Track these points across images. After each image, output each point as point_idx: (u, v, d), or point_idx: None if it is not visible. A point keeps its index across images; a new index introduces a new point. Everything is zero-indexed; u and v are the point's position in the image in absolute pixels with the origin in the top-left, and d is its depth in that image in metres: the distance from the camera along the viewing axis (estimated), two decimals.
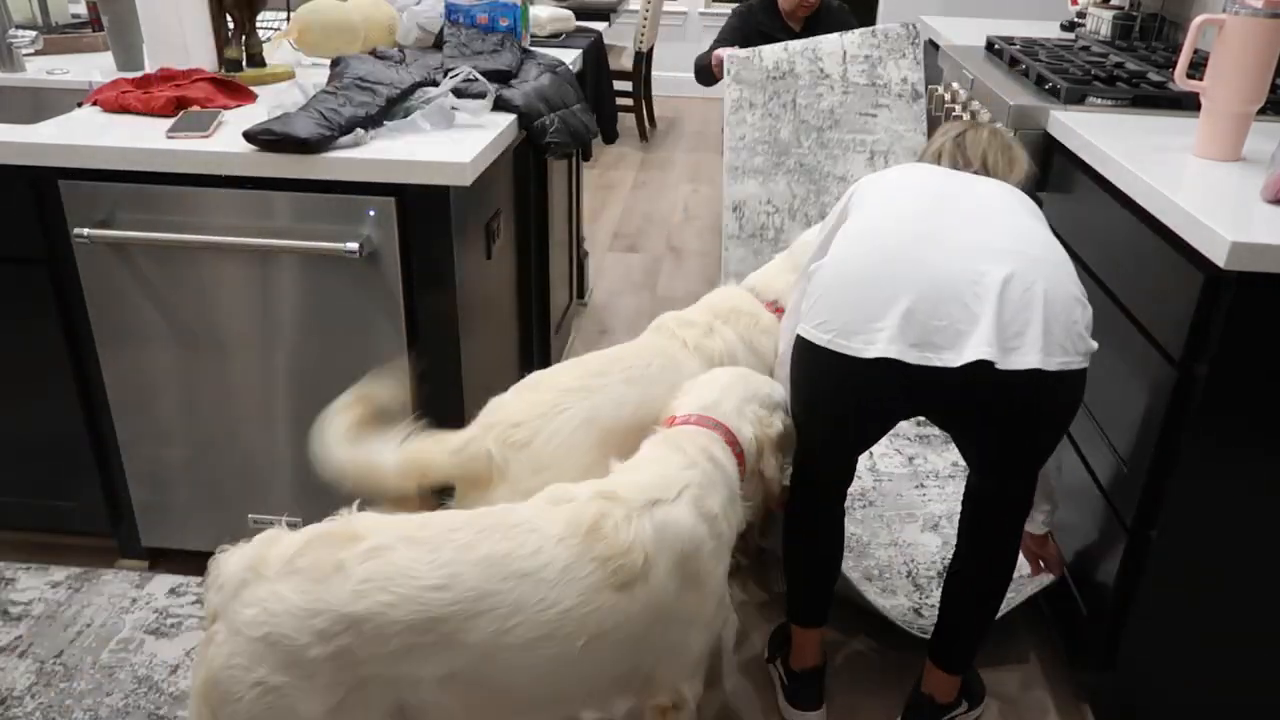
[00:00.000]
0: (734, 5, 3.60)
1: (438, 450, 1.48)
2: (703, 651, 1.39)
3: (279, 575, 1.13)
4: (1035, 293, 1.31)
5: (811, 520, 1.66)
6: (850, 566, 2.04)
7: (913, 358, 1.32)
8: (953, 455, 2.46)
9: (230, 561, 1.16)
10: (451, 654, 1.13)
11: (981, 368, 1.30)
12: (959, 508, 1.75)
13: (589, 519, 1.21)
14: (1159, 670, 1.64)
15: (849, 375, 1.38)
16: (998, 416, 1.39)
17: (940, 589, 1.71)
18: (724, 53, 3.41)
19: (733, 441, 1.43)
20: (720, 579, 1.37)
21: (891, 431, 2.52)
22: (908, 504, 2.28)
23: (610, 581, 1.20)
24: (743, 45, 3.49)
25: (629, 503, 1.25)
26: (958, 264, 1.34)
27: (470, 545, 1.16)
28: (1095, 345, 1.37)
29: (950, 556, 1.72)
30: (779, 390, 1.59)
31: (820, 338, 1.39)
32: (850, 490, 1.75)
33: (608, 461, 1.40)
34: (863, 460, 2.40)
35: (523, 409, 1.53)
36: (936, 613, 1.68)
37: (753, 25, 3.46)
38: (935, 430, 2.53)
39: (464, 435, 1.52)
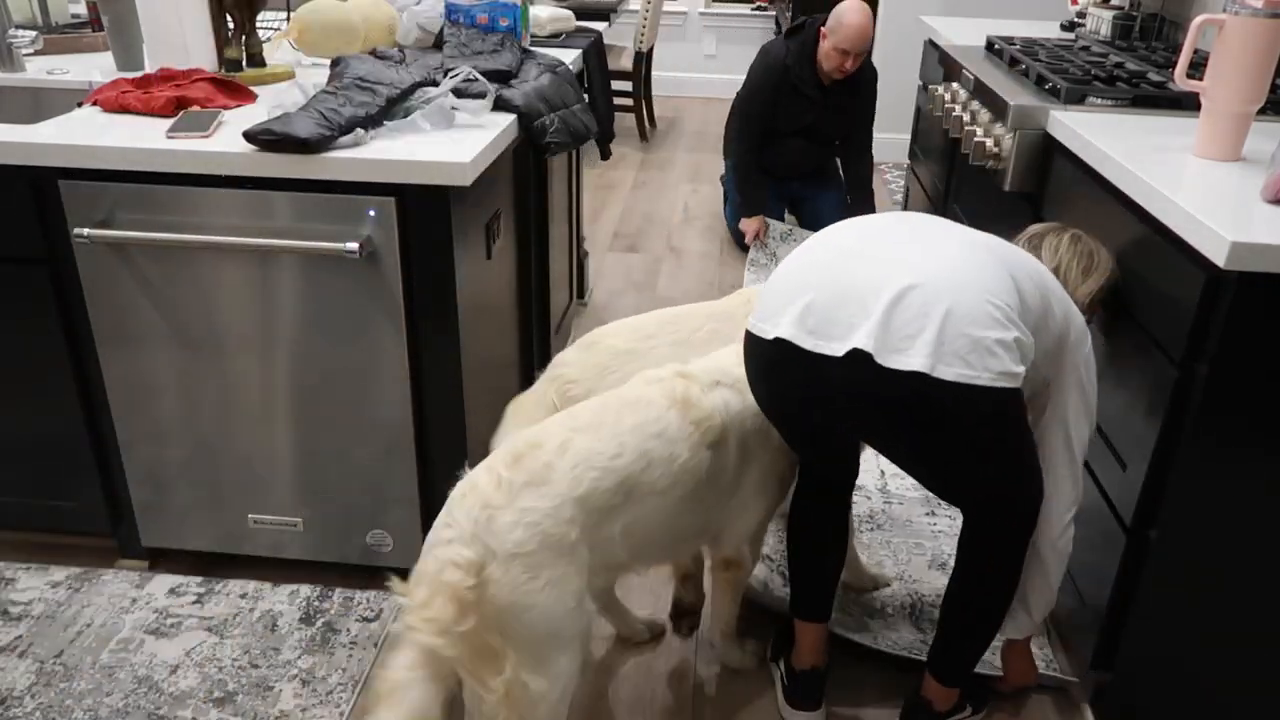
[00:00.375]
0: (760, 48, 3.66)
1: (526, 400, 1.81)
2: (760, 520, 1.68)
3: (511, 497, 1.30)
4: (936, 305, 1.32)
5: (809, 514, 1.69)
6: (853, 599, 2.02)
7: (806, 343, 1.38)
8: None
9: (458, 518, 1.31)
10: (630, 507, 1.40)
11: (864, 362, 1.33)
12: None
13: (680, 392, 1.48)
14: (1159, 670, 1.64)
15: (758, 356, 1.47)
16: (885, 416, 1.40)
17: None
18: (750, 228, 3.64)
19: None
20: (767, 460, 1.61)
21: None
22: (916, 532, 2.25)
23: (704, 440, 1.48)
24: (773, 105, 3.52)
25: (700, 380, 1.52)
26: (869, 271, 1.38)
27: (619, 420, 1.43)
28: (1017, 369, 1.33)
29: None
30: None
31: (749, 324, 1.49)
32: (859, 511, 1.83)
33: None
34: (873, 479, 2.42)
35: (579, 367, 1.76)
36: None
37: (786, 81, 3.49)
38: None
39: (537, 388, 1.80)
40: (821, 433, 1.53)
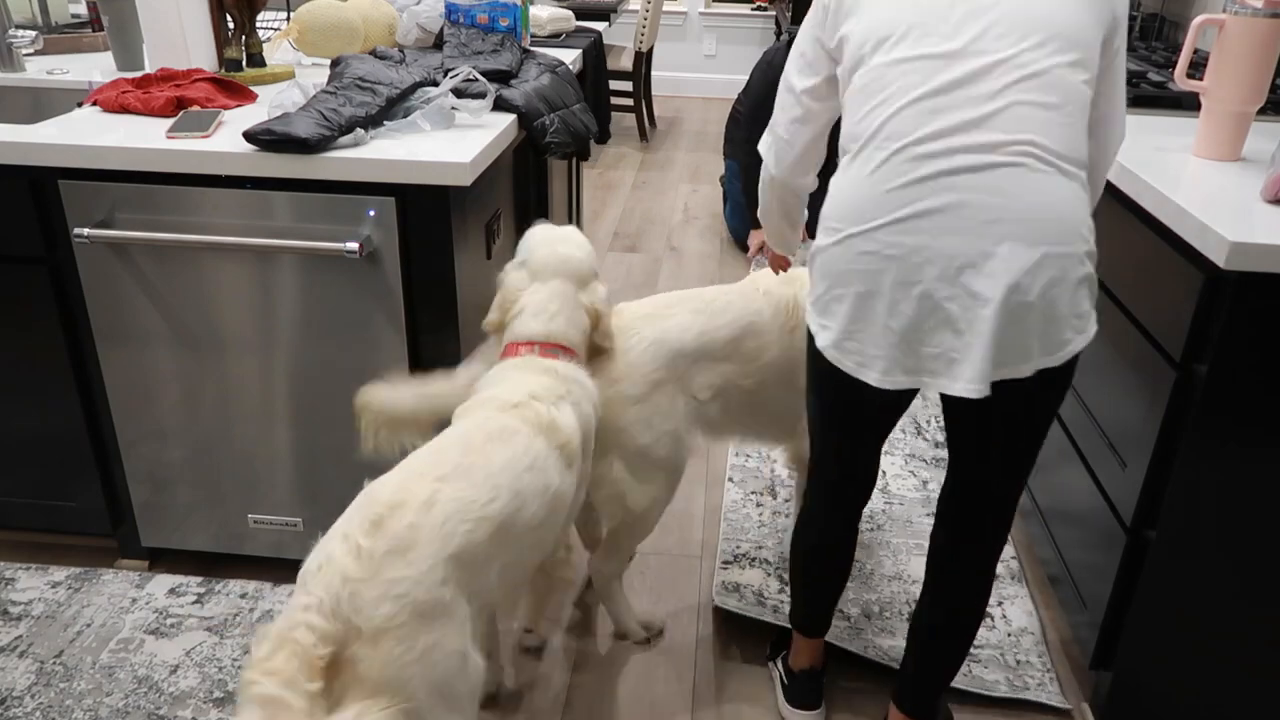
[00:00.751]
0: (761, 35, 3.62)
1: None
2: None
3: (374, 569, 1.16)
4: (1031, 312, 1.22)
5: (824, 535, 1.62)
6: (851, 599, 2.03)
7: (904, 384, 1.32)
8: None
9: (316, 592, 1.15)
10: (505, 549, 1.30)
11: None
12: None
13: (543, 417, 1.42)
14: (1159, 670, 1.64)
15: (830, 377, 1.41)
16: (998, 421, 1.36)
17: None
18: (757, 241, 3.56)
19: (571, 350, 1.60)
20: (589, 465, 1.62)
21: (908, 452, 2.51)
22: (916, 532, 2.25)
23: (568, 462, 1.44)
24: (772, 97, 3.52)
25: (548, 399, 1.47)
26: (941, 270, 1.24)
27: (489, 459, 1.32)
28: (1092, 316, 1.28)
29: None
30: (583, 250, 1.68)
31: (821, 345, 1.38)
32: None
33: (681, 374, 1.72)
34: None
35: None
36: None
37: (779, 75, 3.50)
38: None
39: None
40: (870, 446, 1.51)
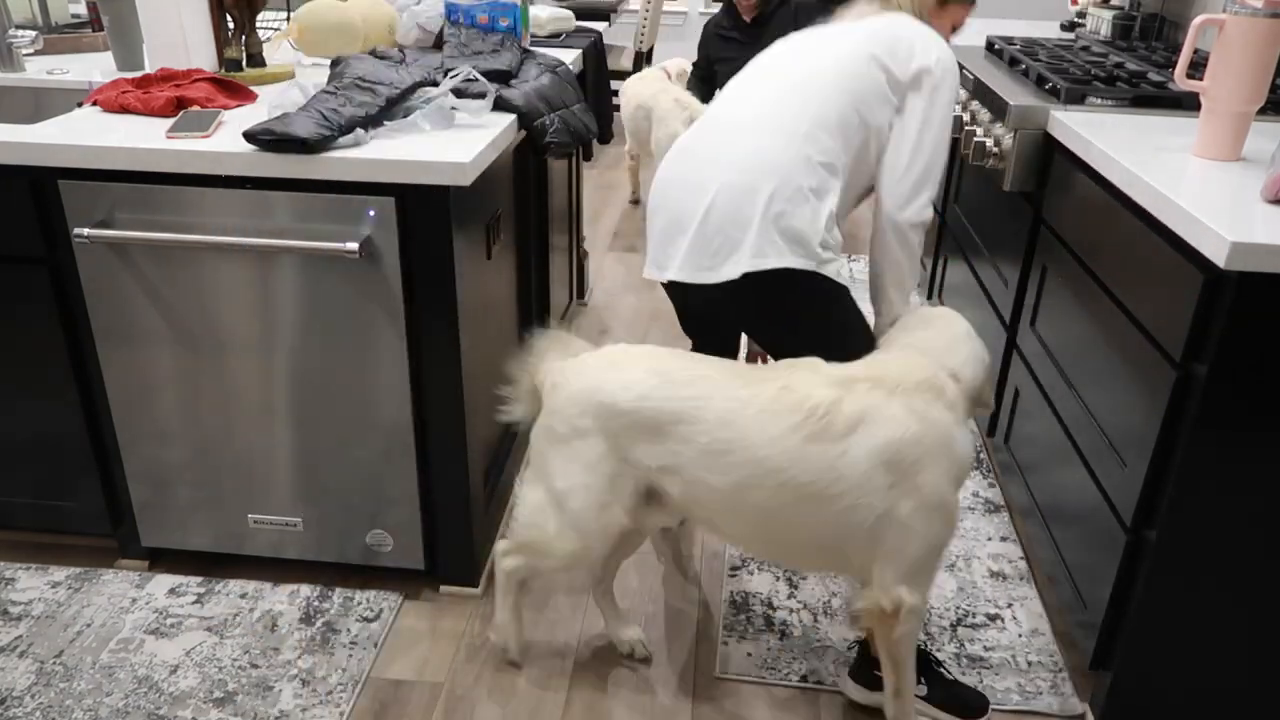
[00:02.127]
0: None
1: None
2: (919, 559, 1.49)
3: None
4: (731, 225, 1.57)
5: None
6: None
7: (656, 276, 1.70)
8: (972, 485, 2.44)
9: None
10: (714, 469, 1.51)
11: (685, 285, 1.64)
12: (977, 547, 1.89)
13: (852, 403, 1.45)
14: (1159, 670, 1.64)
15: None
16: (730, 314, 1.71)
17: (954, 641, 1.79)
18: None
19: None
20: (940, 489, 1.46)
21: None
22: None
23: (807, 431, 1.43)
24: (707, 55, 3.57)
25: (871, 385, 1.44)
26: (683, 191, 1.65)
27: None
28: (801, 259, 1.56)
29: (966, 603, 1.80)
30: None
31: None
32: None
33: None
34: None
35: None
36: (945, 667, 1.77)
37: (711, 32, 3.56)
38: None
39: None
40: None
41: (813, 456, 1.44)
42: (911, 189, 1.63)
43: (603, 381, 1.53)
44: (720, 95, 1.76)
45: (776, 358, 1.64)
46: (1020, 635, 1.95)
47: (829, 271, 1.60)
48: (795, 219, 1.56)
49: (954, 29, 1.78)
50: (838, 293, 1.63)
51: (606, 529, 1.61)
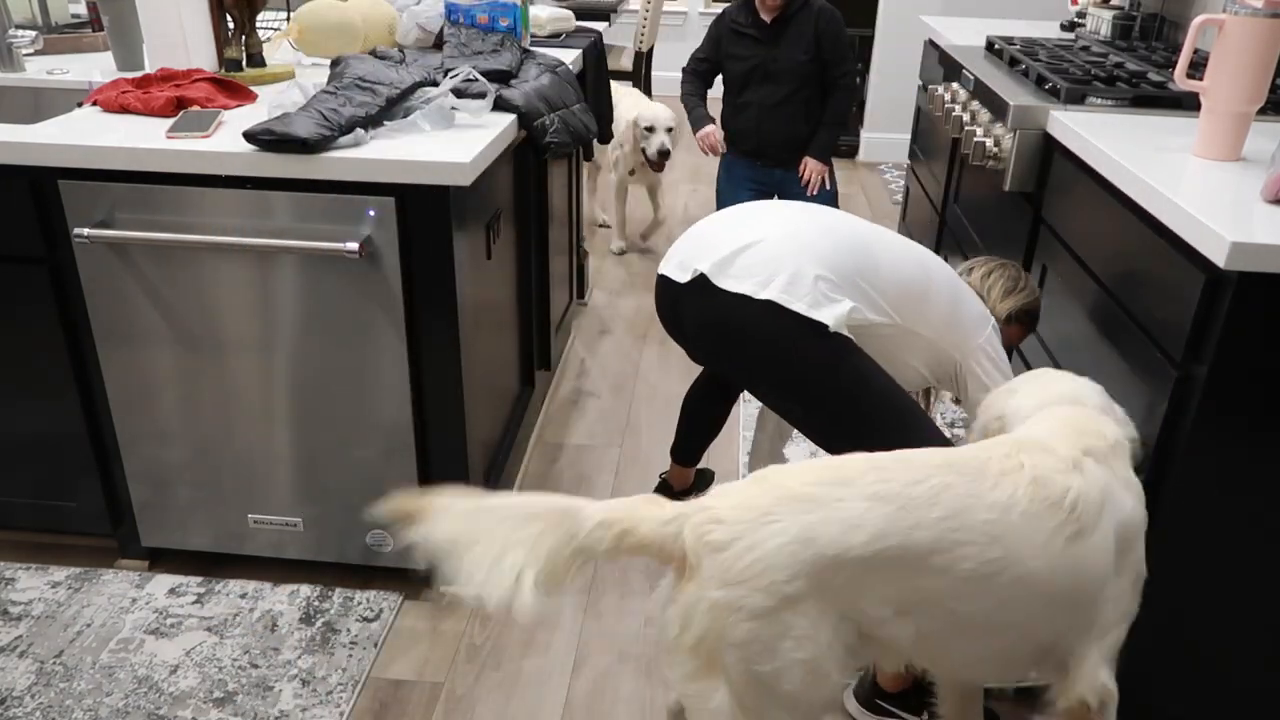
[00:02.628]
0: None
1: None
2: (1120, 637, 1.36)
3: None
4: (775, 261, 1.63)
5: (706, 390, 2.15)
6: None
7: (675, 274, 1.74)
8: None
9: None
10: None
11: (704, 285, 1.68)
12: None
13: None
14: (1159, 670, 1.64)
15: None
16: (718, 337, 1.74)
17: None
18: (707, 138, 3.52)
19: None
20: (1142, 558, 1.34)
21: None
22: None
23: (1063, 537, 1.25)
24: (716, 50, 3.51)
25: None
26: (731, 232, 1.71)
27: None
28: (834, 309, 1.60)
29: None
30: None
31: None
32: None
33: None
34: None
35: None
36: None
37: (725, 27, 3.48)
38: None
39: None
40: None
41: (1074, 556, 1.25)
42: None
43: (812, 529, 1.17)
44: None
45: (755, 395, 1.80)
46: None
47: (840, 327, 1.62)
48: (825, 289, 1.63)
49: (1008, 346, 1.88)
50: (846, 350, 1.64)
51: (827, 706, 1.26)
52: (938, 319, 1.73)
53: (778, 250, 1.64)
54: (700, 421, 2.19)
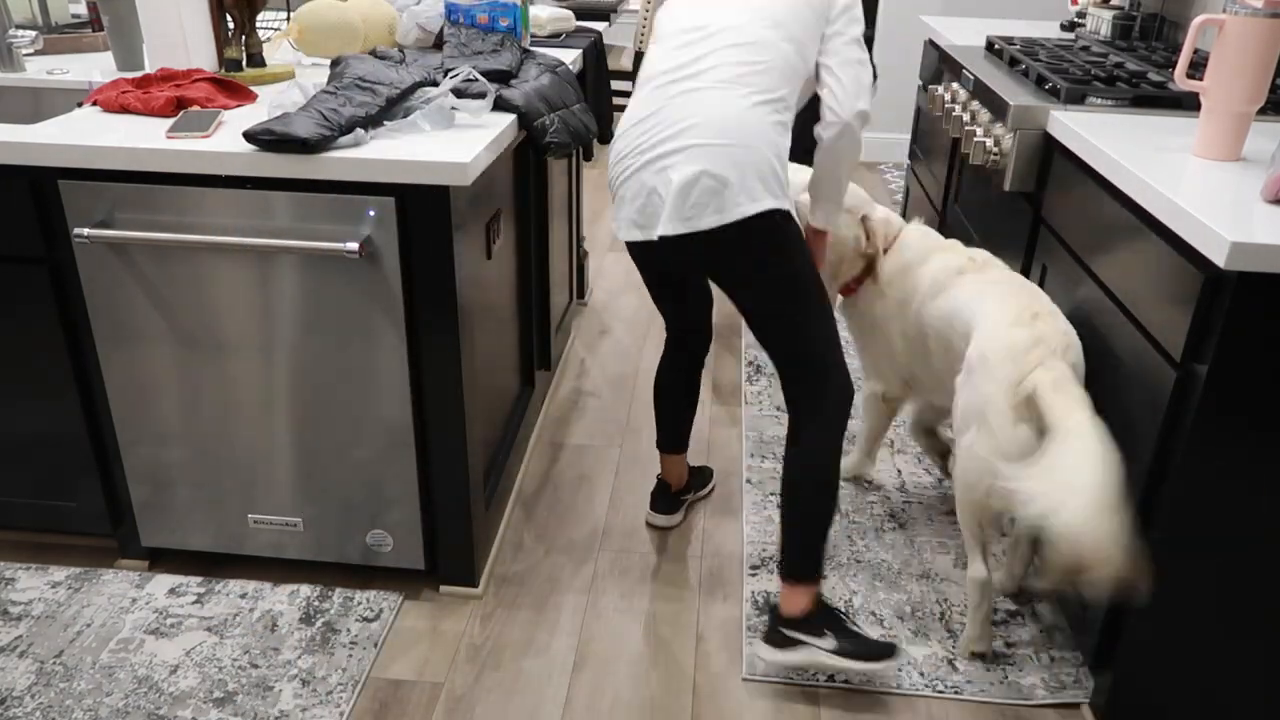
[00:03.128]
0: None
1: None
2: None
3: None
4: (712, 193, 1.69)
5: (672, 373, 2.17)
6: (881, 600, 2.03)
7: (637, 236, 1.79)
8: None
9: None
10: None
11: (674, 239, 1.74)
12: (993, 544, 2.04)
13: None
14: (1159, 670, 1.64)
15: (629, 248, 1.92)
16: (704, 262, 1.82)
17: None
18: None
19: None
20: None
21: (921, 449, 2.53)
22: (938, 530, 2.25)
23: None
24: None
25: None
26: (657, 164, 1.74)
27: None
28: (768, 203, 1.69)
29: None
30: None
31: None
32: (879, 510, 2.28)
33: None
34: (890, 478, 2.43)
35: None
36: (970, 665, 1.85)
37: None
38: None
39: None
40: (673, 289, 2.06)
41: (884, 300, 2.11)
42: (856, 88, 1.80)
43: None
44: (660, 49, 1.83)
45: (740, 304, 1.84)
46: (1041, 631, 1.96)
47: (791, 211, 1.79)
48: (771, 169, 1.72)
49: None
50: (797, 232, 1.80)
51: None
52: (794, 67, 1.78)
53: (702, 165, 1.67)
54: (676, 402, 2.20)
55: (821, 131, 1.82)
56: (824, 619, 1.79)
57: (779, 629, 1.80)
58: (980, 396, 1.70)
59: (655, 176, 1.72)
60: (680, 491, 2.30)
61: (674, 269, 1.98)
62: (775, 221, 1.71)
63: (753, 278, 1.76)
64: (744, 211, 1.68)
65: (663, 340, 2.19)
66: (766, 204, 1.68)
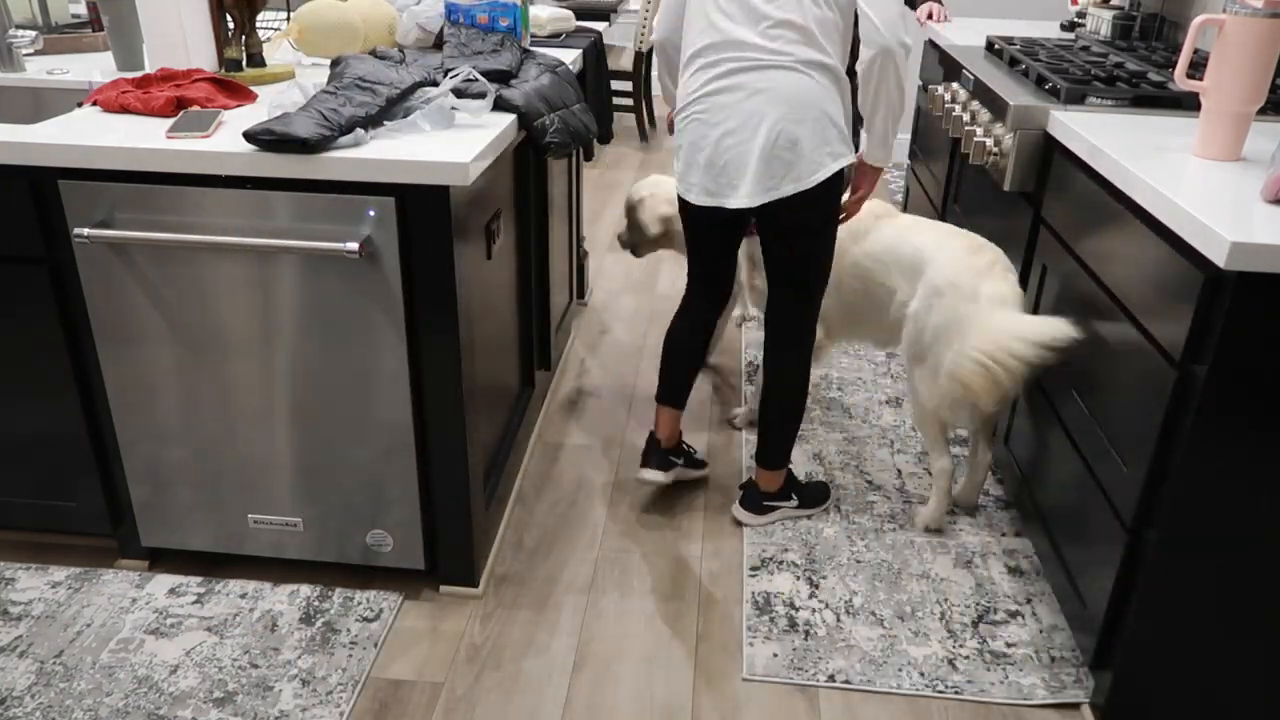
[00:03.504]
0: None
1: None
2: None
3: None
4: (788, 155, 1.90)
5: (687, 329, 2.27)
6: (881, 600, 2.03)
7: (708, 202, 2.00)
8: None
9: None
10: None
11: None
12: (990, 542, 2.22)
13: None
14: (1159, 670, 1.64)
15: (685, 209, 2.13)
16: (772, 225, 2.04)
17: (975, 638, 1.90)
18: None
19: None
20: None
21: (920, 449, 2.55)
22: (938, 530, 2.27)
23: None
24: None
25: None
26: (735, 144, 1.94)
27: None
28: (841, 156, 1.93)
29: (985, 600, 2.04)
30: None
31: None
32: (879, 511, 2.33)
33: None
34: (891, 479, 2.43)
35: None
36: (970, 665, 1.86)
37: None
38: (963, 451, 2.55)
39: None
40: (722, 249, 2.20)
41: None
42: (895, 18, 1.85)
43: None
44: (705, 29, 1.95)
45: (775, 241, 2.06)
46: (1041, 631, 1.96)
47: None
48: (835, 126, 1.91)
49: None
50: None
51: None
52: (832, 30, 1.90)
53: (762, 140, 1.88)
54: (683, 359, 2.28)
55: (861, 61, 1.90)
56: (790, 487, 2.29)
57: (761, 501, 2.27)
58: (958, 314, 2.02)
59: (725, 152, 1.93)
60: (670, 451, 2.34)
61: (733, 225, 2.14)
62: (833, 184, 1.94)
63: (804, 230, 2.01)
64: (817, 178, 1.90)
65: (663, 341, 2.20)
66: (830, 168, 1.91)
